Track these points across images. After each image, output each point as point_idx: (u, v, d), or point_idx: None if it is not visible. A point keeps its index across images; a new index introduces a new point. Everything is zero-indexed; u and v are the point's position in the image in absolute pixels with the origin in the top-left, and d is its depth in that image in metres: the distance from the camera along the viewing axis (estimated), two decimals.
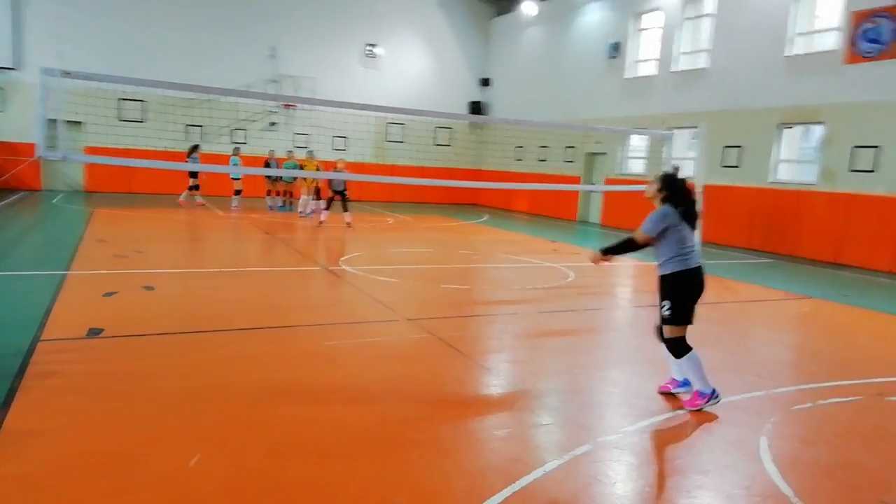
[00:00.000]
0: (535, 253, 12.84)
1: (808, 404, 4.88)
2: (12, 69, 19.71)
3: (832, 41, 13.96)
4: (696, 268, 4.57)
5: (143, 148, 19.06)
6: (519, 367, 5.62)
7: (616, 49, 19.86)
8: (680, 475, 3.67)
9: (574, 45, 21.79)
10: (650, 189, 4.75)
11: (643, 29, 19.46)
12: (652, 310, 5.10)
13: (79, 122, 17.27)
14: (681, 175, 5.01)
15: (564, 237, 16.20)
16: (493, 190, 25.41)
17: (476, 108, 26.40)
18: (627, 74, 19.59)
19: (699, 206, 10.96)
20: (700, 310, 4.74)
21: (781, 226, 14.65)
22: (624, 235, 4.83)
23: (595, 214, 20.89)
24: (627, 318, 8.10)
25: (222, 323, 6.35)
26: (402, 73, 25.24)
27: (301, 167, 17.57)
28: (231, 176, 18.46)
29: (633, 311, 8.48)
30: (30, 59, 19.50)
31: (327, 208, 15.49)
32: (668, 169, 12.22)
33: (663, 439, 4.20)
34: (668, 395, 4.87)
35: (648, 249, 4.74)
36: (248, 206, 18.53)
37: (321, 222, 15.24)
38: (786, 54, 14.76)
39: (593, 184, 20.61)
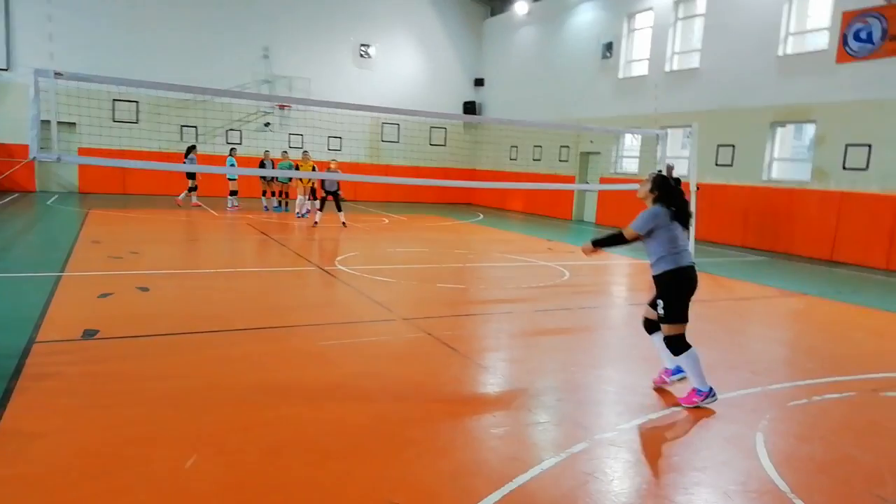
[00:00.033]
0: (531, 252, 12.86)
1: (804, 401, 4.90)
2: (4, 70, 19.62)
3: (823, 41, 14.03)
4: (687, 266, 4.61)
5: (138, 149, 19.03)
6: (515, 365, 5.63)
7: (609, 49, 19.91)
8: (676, 472, 3.69)
9: (567, 45, 21.83)
10: (642, 189, 4.82)
11: (636, 29, 19.52)
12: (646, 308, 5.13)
13: (72, 124, 17.21)
14: (675, 174, 5.06)
15: (559, 236, 16.22)
16: (487, 189, 25.46)
17: (470, 107, 26.43)
18: (621, 74, 19.64)
19: (692, 206, 11.02)
20: (695, 308, 4.77)
21: (775, 224, 14.72)
22: (616, 230, 4.89)
23: (590, 213, 20.93)
24: (623, 316, 8.12)
25: (218, 323, 6.34)
26: (396, 73, 25.23)
27: (296, 167, 17.56)
28: (228, 176, 18.45)
29: (628, 309, 8.51)
30: (21, 60, 19.43)
31: (320, 209, 15.49)
32: (662, 168, 12.27)
33: (660, 436, 4.22)
34: (663, 391, 4.90)
35: (641, 247, 4.78)
36: (243, 207, 18.51)
37: (316, 223, 15.24)
38: (778, 54, 14.83)
39: (588, 183, 20.66)
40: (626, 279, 11.05)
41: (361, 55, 24.67)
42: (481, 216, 21.42)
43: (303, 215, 17.19)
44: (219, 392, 4.51)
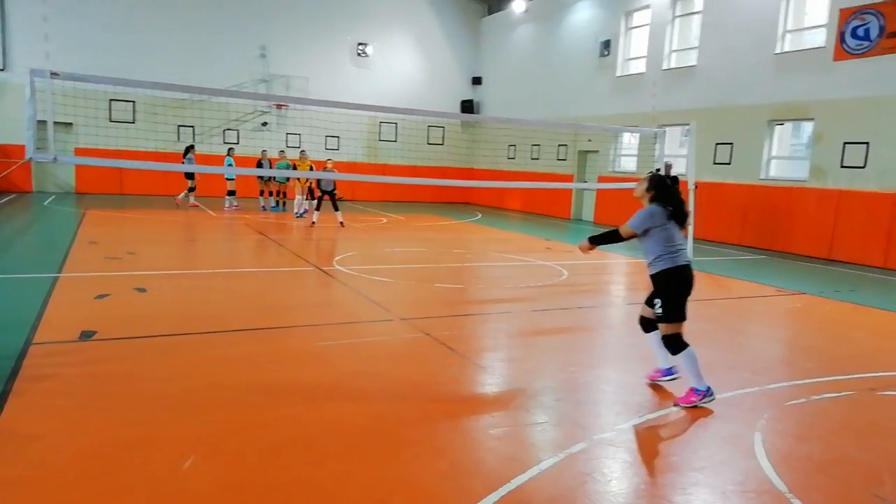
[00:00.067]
0: (529, 251, 12.86)
1: (802, 400, 4.91)
2: (0, 70, 19.56)
3: (821, 38, 14.03)
4: (683, 265, 4.62)
5: (134, 149, 19.00)
6: (513, 365, 5.63)
7: (607, 47, 19.91)
8: (675, 472, 3.68)
9: (565, 44, 21.82)
10: (639, 188, 4.85)
11: (633, 27, 19.52)
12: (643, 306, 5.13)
13: (69, 124, 17.18)
14: (673, 172, 5.08)
15: (558, 235, 16.22)
16: (485, 188, 25.47)
17: (468, 106, 26.41)
18: (618, 72, 19.64)
19: (689, 205, 11.01)
20: (693, 307, 4.78)
21: (773, 222, 14.73)
22: (613, 228, 4.90)
23: (588, 212, 20.93)
24: (621, 316, 8.12)
25: (216, 324, 6.33)
26: (394, 72, 25.21)
27: (294, 167, 17.54)
28: (226, 176, 18.42)
29: (626, 309, 8.50)
30: (17, 60, 19.38)
31: (317, 209, 15.49)
32: (660, 166, 12.27)
33: (658, 436, 4.22)
34: (661, 390, 4.90)
35: (639, 246, 4.79)
36: (241, 207, 18.49)
37: (313, 223, 15.22)
38: (775, 51, 14.84)
39: (586, 181, 20.65)
40: (624, 278, 11.05)
41: (359, 54, 24.65)
42: (479, 215, 21.41)
43: (300, 215, 17.17)
44: (217, 393, 4.50)
